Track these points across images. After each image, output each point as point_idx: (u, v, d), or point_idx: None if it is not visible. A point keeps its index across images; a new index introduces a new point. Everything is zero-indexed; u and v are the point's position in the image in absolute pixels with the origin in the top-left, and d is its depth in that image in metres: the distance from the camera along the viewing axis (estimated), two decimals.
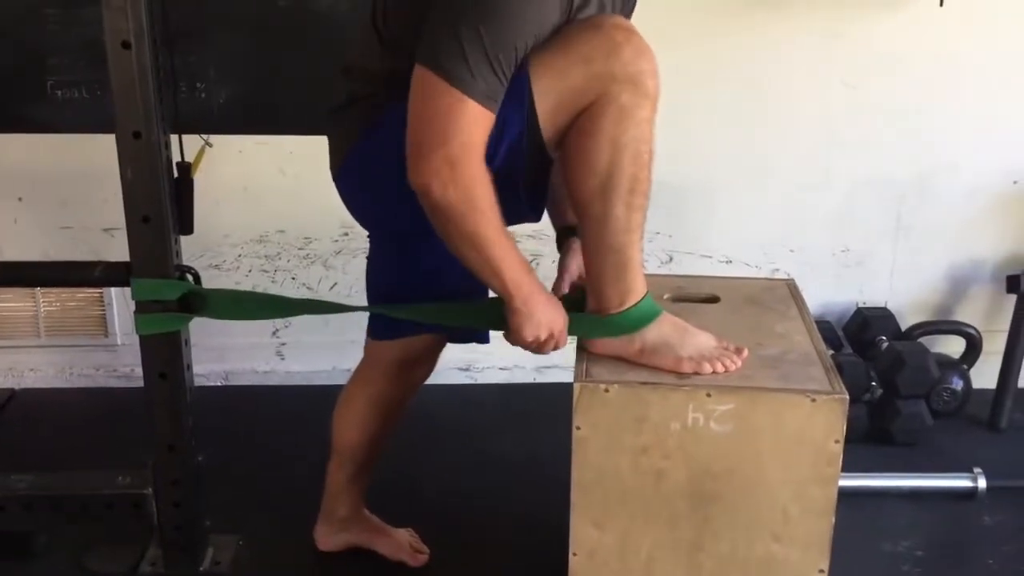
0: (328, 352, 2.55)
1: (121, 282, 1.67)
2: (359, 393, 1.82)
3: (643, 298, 1.49)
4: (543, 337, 1.49)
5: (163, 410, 1.74)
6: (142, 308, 1.68)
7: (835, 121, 2.47)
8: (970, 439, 2.41)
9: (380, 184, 1.52)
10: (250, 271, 2.53)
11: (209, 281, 2.50)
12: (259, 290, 2.53)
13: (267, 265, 2.53)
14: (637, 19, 1.61)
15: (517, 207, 1.50)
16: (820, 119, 2.47)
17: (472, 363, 2.61)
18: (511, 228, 1.47)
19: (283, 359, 2.61)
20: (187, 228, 1.73)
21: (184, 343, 1.74)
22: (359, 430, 1.82)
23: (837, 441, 1.40)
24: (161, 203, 1.64)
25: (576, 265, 1.66)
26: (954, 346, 2.56)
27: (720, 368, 1.46)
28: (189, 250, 2.46)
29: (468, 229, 1.39)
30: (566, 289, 1.65)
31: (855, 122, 2.47)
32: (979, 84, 2.44)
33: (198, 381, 2.57)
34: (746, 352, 1.49)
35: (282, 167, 2.45)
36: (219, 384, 2.59)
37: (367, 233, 1.74)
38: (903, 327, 2.56)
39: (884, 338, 2.49)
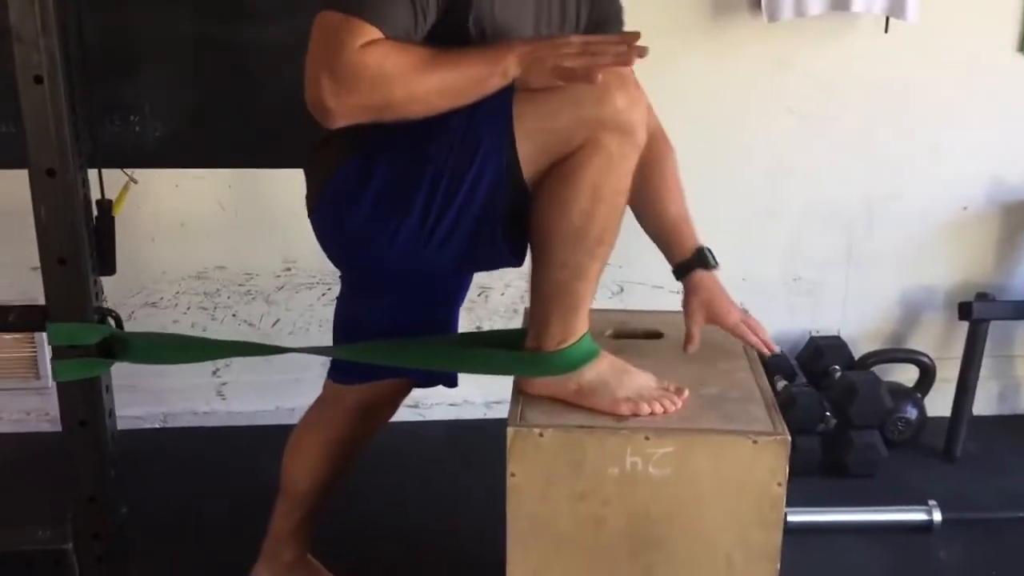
0: (271, 391, 2.48)
1: (37, 327, 1.58)
2: (315, 437, 1.74)
3: (582, 337, 1.44)
4: (558, 65, 1.30)
5: (83, 460, 1.65)
6: (59, 353, 1.59)
7: (783, 149, 2.45)
8: (925, 469, 2.38)
9: (348, 219, 1.45)
10: (188, 308, 2.45)
11: (146, 319, 2.47)
12: (198, 329, 2.46)
13: (206, 302, 2.46)
14: None
15: (496, 252, 1.43)
16: (768, 147, 2.45)
17: (421, 399, 2.55)
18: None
19: (224, 399, 2.53)
20: (108, 269, 1.65)
21: (105, 389, 1.66)
22: (312, 475, 1.74)
23: (780, 484, 1.35)
24: (78, 244, 1.56)
25: (702, 310, 1.57)
26: (908, 374, 2.54)
27: (659, 409, 1.41)
28: (125, 287, 2.43)
29: (398, 98, 1.28)
30: (696, 340, 1.56)
31: (803, 150, 2.45)
32: (925, 110, 2.43)
33: (135, 424, 2.52)
34: (686, 392, 1.45)
35: (221, 201, 2.39)
36: (157, 427, 2.51)
37: (339, 273, 1.67)
38: (857, 355, 2.53)
39: (837, 367, 2.46)
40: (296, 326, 2.48)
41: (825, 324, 2.58)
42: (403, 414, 2.50)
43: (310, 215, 1.52)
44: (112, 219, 1.63)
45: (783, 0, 2.22)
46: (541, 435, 1.36)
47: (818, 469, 2.32)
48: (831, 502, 2.17)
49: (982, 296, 2.43)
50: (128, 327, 2.44)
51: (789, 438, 1.34)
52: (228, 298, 2.46)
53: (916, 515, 2.11)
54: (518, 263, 1.47)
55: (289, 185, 1.73)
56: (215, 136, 2.34)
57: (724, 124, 2.42)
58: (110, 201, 1.63)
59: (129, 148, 2.27)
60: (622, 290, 2.52)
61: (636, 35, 1.34)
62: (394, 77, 1.27)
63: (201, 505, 2.17)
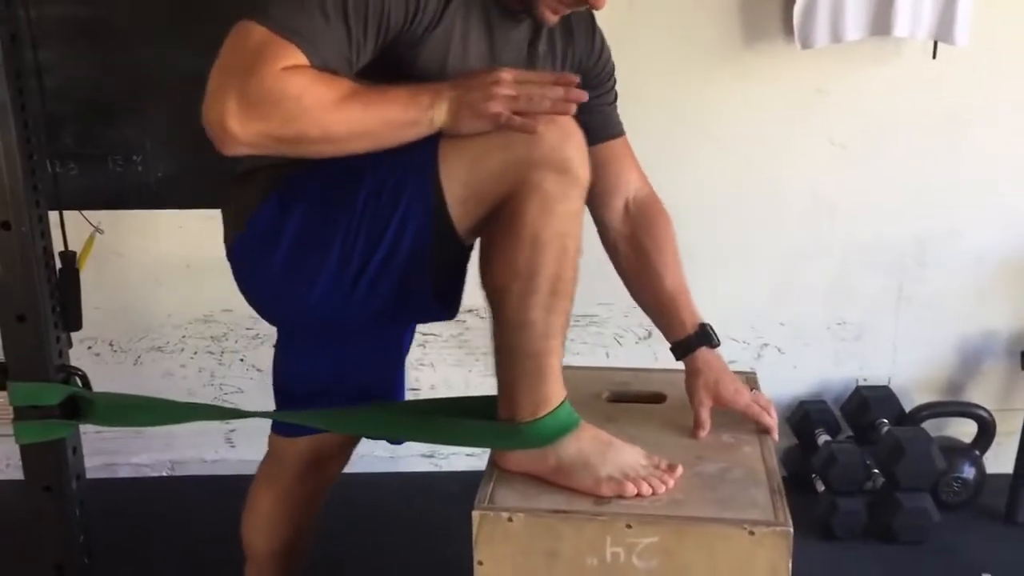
0: None
1: None
2: (265, 495, 1.65)
3: (559, 406, 1.29)
4: (489, 112, 1.20)
5: (49, 526, 1.57)
6: (21, 414, 1.51)
7: (824, 183, 2.27)
8: (983, 535, 2.16)
9: (264, 266, 1.34)
10: (195, 353, 2.37)
11: (152, 364, 2.39)
12: (206, 374, 2.38)
13: (213, 346, 2.37)
14: None
15: (425, 304, 1.33)
16: (807, 181, 2.27)
17: (436, 449, 2.42)
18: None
19: (233, 446, 2.43)
20: (74, 324, 1.57)
21: (72, 451, 1.57)
22: (271, 537, 1.65)
23: None
24: (37, 299, 1.48)
25: (709, 393, 1.45)
26: (965, 428, 2.32)
27: (646, 490, 1.25)
28: (130, 331, 2.35)
29: (312, 134, 1.17)
30: (707, 425, 1.44)
31: (846, 184, 2.26)
32: (981, 139, 2.23)
33: (141, 472, 2.45)
34: (679, 470, 1.28)
35: None
36: (164, 475, 2.42)
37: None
38: (908, 407, 2.32)
39: (886, 421, 2.25)
40: None
41: (873, 373, 2.38)
42: (416, 464, 2.41)
43: (228, 258, 1.41)
44: (76, 272, 1.55)
45: (817, 25, 2.04)
46: (511, 520, 1.21)
47: (863, 532, 2.13)
48: (874, 572, 1.98)
49: None
50: (135, 372, 2.43)
51: (791, 529, 1.17)
52: (236, 342, 2.36)
53: None
54: (450, 316, 1.36)
55: None
56: (221, 175, 2.25)
57: (760, 157, 2.25)
58: (74, 253, 1.55)
59: (132, 189, 2.21)
60: (650, 334, 2.35)
61: (573, 79, 1.23)
62: (312, 111, 1.16)
63: (209, 560, 2.05)
